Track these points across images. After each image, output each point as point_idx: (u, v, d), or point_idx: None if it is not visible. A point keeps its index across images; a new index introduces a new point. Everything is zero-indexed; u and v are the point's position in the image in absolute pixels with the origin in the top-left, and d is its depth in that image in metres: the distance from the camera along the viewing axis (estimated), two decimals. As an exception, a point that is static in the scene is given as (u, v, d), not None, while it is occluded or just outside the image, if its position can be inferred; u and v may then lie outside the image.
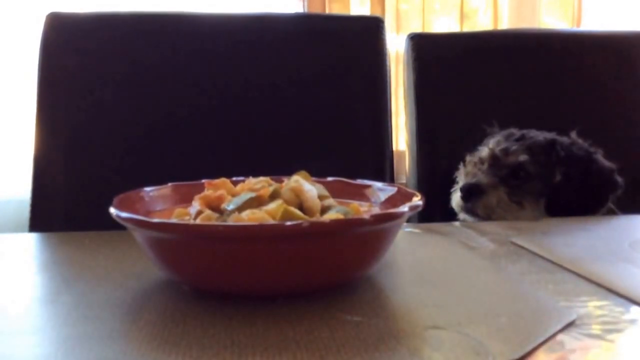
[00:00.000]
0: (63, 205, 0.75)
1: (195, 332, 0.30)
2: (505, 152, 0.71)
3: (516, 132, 0.75)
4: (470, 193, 0.70)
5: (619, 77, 0.90)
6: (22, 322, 0.33)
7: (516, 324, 0.31)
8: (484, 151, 0.74)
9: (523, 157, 0.70)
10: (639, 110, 0.89)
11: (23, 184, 0.81)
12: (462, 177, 0.75)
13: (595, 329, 0.31)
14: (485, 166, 0.72)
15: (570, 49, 0.90)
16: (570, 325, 0.31)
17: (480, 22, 1.41)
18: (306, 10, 1.33)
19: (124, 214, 0.34)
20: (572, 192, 0.69)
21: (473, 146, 0.77)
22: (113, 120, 0.78)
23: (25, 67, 1.10)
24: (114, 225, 0.36)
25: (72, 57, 0.78)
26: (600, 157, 0.72)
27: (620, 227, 0.58)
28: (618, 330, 0.31)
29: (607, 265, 0.41)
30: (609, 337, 0.30)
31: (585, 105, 0.88)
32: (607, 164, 0.71)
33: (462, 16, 1.36)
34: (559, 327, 0.30)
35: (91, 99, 0.78)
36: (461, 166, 0.76)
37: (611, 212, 0.69)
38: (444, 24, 1.38)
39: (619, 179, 0.70)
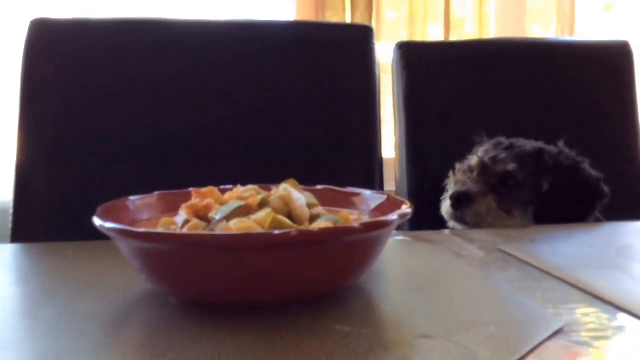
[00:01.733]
0: (46, 215, 0.74)
1: (182, 344, 0.29)
2: (494, 160, 0.72)
3: (504, 140, 0.75)
4: (460, 201, 0.70)
5: (605, 85, 0.91)
6: (1, 337, 0.32)
7: (505, 332, 0.31)
8: (473, 159, 0.74)
9: (511, 166, 0.71)
10: (624, 119, 0.91)
11: (5, 193, 0.79)
12: (451, 185, 0.76)
13: (583, 336, 0.31)
14: (475, 174, 0.73)
15: (557, 58, 0.92)
16: (558, 332, 0.31)
17: (467, 31, 1.42)
18: (296, 18, 1.33)
19: (108, 224, 0.34)
20: (559, 200, 0.69)
21: (462, 154, 0.78)
22: (97, 128, 0.77)
23: (8, 72, 1.09)
24: (99, 235, 0.35)
25: (56, 63, 0.77)
26: (587, 166, 0.73)
27: (606, 234, 0.58)
28: (605, 337, 0.31)
29: (594, 273, 0.42)
30: (596, 344, 0.30)
31: (572, 114, 0.90)
32: (594, 173, 0.72)
33: (449, 25, 1.38)
34: (547, 334, 0.30)
35: (75, 106, 0.77)
36: (451, 174, 0.77)
37: (598, 221, 0.70)
38: (431, 33, 1.39)
39: (606, 188, 0.71)
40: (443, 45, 1.06)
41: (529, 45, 0.96)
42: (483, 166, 0.73)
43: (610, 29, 1.46)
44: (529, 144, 0.74)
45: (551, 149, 0.74)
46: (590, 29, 1.44)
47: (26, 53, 0.76)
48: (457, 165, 0.76)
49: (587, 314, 0.34)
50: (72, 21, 0.79)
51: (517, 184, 0.71)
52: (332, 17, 1.31)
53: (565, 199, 0.70)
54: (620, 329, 0.32)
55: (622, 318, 0.34)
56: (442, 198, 0.76)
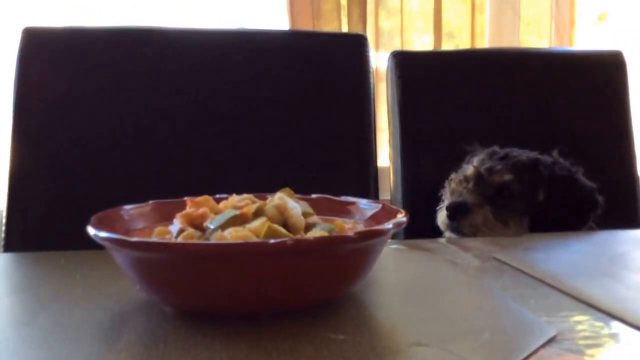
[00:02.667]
0: (39, 224, 0.73)
1: (177, 353, 0.29)
2: (490, 171, 0.72)
3: (499, 150, 0.76)
4: (457, 212, 0.70)
5: (598, 95, 0.92)
6: (-6, 346, 0.32)
7: (498, 339, 0.31)
8: (468, 169, 0.75)
9: (508, 177, 0.71)
10: (617, 129, 0.92)
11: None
12: (447, 196, 0.76)
13: (576, 344, 0.31)
14: (471, 185, 0.73)
15: (550, 68, 0.93)
16: (551, 340, 0.31)
17: (462, 41, 1.44)
18: (290, 27, 1.34)
19: (102, 234, 0.34)
20: (554, 211, 0.70)
21: (456, 163, 0.78)
22: (91, 136, 0.77)
23: (1, 81, 1.08)
24: (93, 244, 0.35)
25: (48, 71, 0.77)
26: (581, 176, 0.73)
27: (599, 242, 0.59)
28: (598, 345, 0.31)
29: (587, 281, 0.42)
30: (589, 351, 0.30)
31: (566, 123, 0.90)
32: (588, 183, 0.73)
33: (442, 34, 1.39)
34: (540, 342, 0.30)
35: (68, 114, 0.77)
36: (446, 184, 0.77)
37: (591, 230, 0.71)
38: (425, 42, 1.41)
39: (600, 198, 0.71)
40: (438, 54, 1.07)
41: (523, 55, 0.97)
42: (479, 176, 0.73)
43: (604, 38, 1.47)
44: (524, 154, 0.75)
45: (546, 159, 0.74)
46: (584, 38, 1.46)
47: (19, 61, 0.76)
48: (453, 175, 0.76)
49: (580, 322, 0.34)
50: (65, 29, 0.80)
51: (513, 194, 0.71)
52: (326, 27, 1.32)
53: (560, 209, 0.70)
54: (613, 336, 0.32)
55: (616, 326, 0.34)
56: (437, 208, 0.76)
